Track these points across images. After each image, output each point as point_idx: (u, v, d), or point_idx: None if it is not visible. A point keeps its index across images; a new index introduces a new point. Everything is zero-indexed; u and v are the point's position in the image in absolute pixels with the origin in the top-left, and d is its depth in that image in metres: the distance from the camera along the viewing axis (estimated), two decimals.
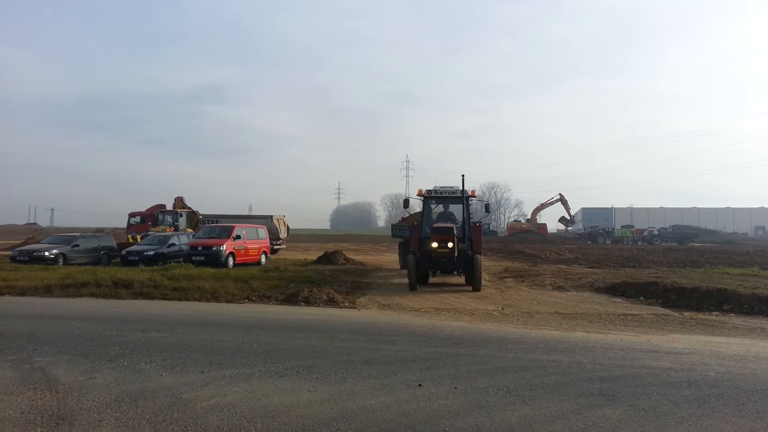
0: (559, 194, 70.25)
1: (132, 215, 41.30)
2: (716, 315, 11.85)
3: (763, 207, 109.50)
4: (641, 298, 14.40)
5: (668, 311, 12.42)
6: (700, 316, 11.70)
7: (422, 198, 18.03)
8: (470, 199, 17.83)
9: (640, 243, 65.24)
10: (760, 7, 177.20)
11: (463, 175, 17.23)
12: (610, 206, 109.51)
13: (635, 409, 4.94)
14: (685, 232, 73.01)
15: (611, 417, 4.71)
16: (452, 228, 16.47)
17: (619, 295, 15.02)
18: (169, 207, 36.85)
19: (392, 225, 27.55)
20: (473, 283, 16.42)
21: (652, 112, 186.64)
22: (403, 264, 21.84)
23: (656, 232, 70.43)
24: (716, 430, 4.40)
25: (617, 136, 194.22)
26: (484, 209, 21.82)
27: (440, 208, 18.89)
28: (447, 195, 17.90)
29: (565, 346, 8.16)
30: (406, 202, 18.46)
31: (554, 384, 5.81)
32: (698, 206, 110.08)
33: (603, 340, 8.74)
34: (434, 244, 15.99)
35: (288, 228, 35.07)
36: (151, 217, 38.62)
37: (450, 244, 15.99)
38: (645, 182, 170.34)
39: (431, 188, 18.04)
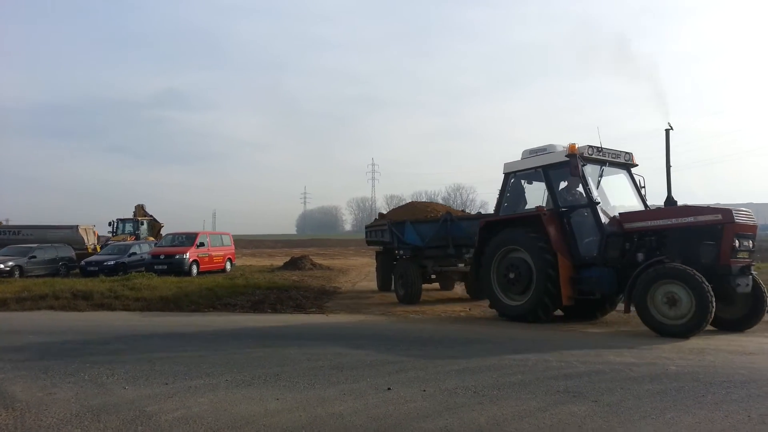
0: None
1: None
2: None
3: (719, 204, 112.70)
4: None
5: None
6: None
7: (576, 158, 10.04)
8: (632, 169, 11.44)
9: None
10: (712, 10, 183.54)
11: (669, 125, 10.35)
12: None
13: (600, 404, 5.02)
14: None
15: (577, 413, 4.79)
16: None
17: None
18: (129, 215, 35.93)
19: (367, 227, 18.95)
20: (750, 319, 9.37)
21: (612, 112, 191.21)
22: (384, 284, 16.88)
23: None
24: (678, 422, 4.51)
25: (579, 137, 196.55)
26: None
27: (511, 185, 11.72)
28: (611, 160, 10.87)
29: (531, 344, 8.26)
30: (575, 164, 9.96)
31: (521, 383, 5.88)
32: (659, 204, 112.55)
33: (568, 337, 8.88)
34: (737, 242, 8.92)
35: (98, 237, 33.91)
36: None
37: (751, 243, 9.34)
38: None
39: (590, 145, 10.54)
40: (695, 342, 8.21)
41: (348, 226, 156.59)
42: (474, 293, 14.68)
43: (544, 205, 10.99)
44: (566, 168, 10.34)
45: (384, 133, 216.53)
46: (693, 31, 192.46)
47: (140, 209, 36.22)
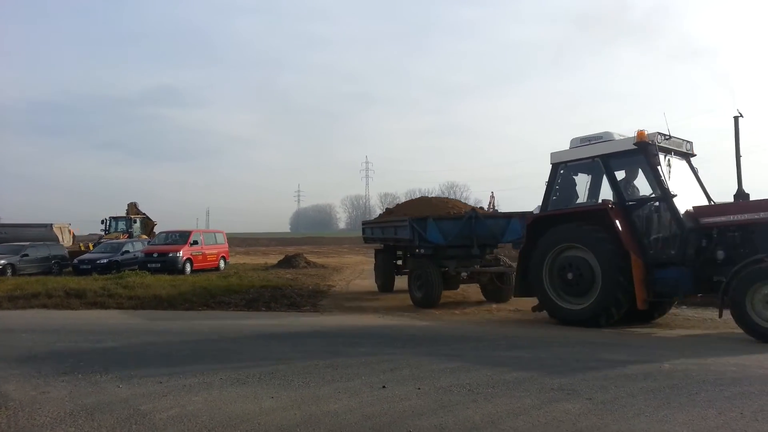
0: (491, 192, 74.50)
1: None
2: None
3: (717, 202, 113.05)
4: None
5: None
6: None
7: (654, 146, 9.31)
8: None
9: None
10: (705, 6, 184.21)
11: (738, 113, 9.66)
12: None
13: (594, 402, 5.04)
14: None
15: (571, 411, 4.80)
16: None
17: None
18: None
19: (364, 223, 18.56)
20: None
21: (606, 110, 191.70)
22: (385, 285, 16.33)
23: None
24: (671, 420, 4.54)
25: (572, 135, 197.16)
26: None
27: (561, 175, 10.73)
28: (675, 149, 10.01)
29: (526, 342, 8.29)
30: (654, 152, 9.22)
31: (516, 380, 5.90)
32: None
33: (562, 335, 8.91)
34: None
35: (74, 236, 33.56)
36: None
37: None
38: None
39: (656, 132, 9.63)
40: (688, 340, 8.26)
41: (342, 224, 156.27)
42: (493, 296, 13.77)
43: (584, 199, 10.46)
44: (631, 157, 9.76)
45: (378, 131, 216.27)
46: (685, 29, 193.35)
47: (133, 207, 36.07)
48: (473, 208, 15.01)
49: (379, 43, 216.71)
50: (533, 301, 11.01)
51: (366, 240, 18.07)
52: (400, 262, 16.46)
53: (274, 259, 30.77)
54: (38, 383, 6.07)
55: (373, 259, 18.33)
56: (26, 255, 24.44)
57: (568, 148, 10.72)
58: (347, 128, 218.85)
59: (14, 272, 23.17)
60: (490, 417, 4.70)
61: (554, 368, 6.39)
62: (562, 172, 10.68)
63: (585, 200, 10.51)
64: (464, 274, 13.77)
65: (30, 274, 22.87)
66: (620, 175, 10.21)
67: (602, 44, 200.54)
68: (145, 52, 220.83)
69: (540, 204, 11.00)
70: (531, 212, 11.92)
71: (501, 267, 13.69)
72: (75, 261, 24.55)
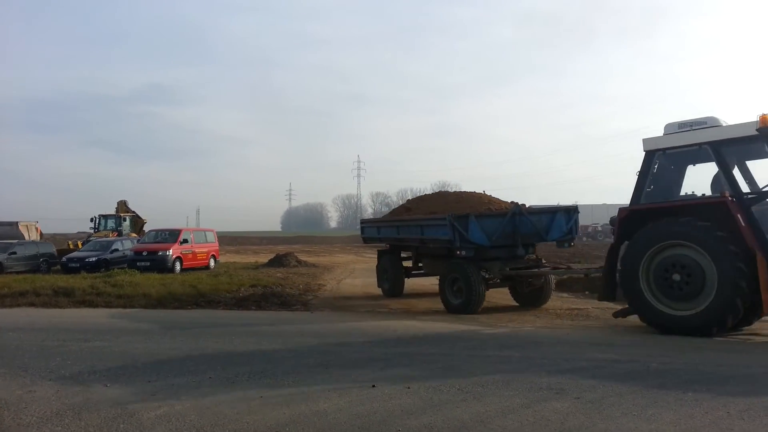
0: (483, 191, 74.68)
1: None
2: None
3: None
4: (586, 292, 14.79)
5: (612, 305, 12.76)
6: None
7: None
8: None
9: (584, 239, 67.13)
10: (693, 9, 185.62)
11: None
12: (555, 203, 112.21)
13: (582, 401, 5.07)
14: None
15: (560, 410, 4.82)
16: None
17: (565, 291, 15.40)
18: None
19: (363, 221, 18.09)
20: None
21: (596, 112, 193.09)
22: (394, 289, 15.03)
23: (600, 228, 72.66)
24: (659, 419, 4.56)
25: (562, 136, 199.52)
26: None
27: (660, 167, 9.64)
28: None
29: (516, 341, 8.31)
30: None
31: (505, 380, 5.91)
32: None
33: (551, 335, 8.94)
34: None
35: (41, 234, 33.30)
36: None
37: None
38: (589, 180, 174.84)
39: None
40: (677, 340, 8.30)
41: (333, 223, 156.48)
42: (530, 301, 12.85)
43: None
44: (746, 145, 8.78)
45: (371, 130, 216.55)
46: (675, 32, 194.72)
47: (123, 205, 35.79)
48: (516, 204, 13.58)
49: (373, 43, 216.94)
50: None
51: (367, 240, 17.15)
52: (407, 264, 15.47)
53: (264, 258, 30.66)
54: (25, 382, 6.02)
55: (364, 258, 18.18)
56: (14, 252, 24.21)
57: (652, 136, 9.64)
58: (339, 128, 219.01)
59: (1, 270, 22.91)
60: (479, 416, 4.71)
61: (543, 367, 6.41)
62: (658, 160, 9.57)
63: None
64: (498, 279, 12.74)
65: (18, 272, 22.65)
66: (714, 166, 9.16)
67: (591, 45, 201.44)
68: (138, 49, 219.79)
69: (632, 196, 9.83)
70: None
71: (546, 269, 12.89)
72: (63, 259, 24.37)
